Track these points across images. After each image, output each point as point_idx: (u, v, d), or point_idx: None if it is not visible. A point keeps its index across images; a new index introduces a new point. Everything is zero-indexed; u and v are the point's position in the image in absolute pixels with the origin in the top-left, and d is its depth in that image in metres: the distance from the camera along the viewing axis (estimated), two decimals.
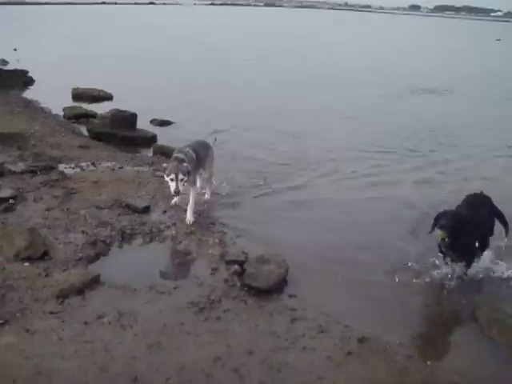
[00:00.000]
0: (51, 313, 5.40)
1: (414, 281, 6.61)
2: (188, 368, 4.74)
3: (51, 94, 17.13)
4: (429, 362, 5.18)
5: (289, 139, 13.33)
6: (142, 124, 13.77)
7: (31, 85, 19.73)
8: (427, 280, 6.65)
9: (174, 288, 6.01)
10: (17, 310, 5.41)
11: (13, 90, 17.96)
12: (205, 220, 7.97)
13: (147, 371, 4.64)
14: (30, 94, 18.13)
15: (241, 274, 6.36)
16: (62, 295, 5.69)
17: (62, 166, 9.88)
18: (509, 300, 6.38)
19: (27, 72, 20.22)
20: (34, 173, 9.23)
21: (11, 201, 7.89)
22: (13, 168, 9.31)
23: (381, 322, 5.84)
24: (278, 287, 6.25)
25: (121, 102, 15.08)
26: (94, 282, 6.00)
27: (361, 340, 5.38)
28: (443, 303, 6.41)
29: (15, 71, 20.24)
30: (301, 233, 7.88)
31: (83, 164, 10.20)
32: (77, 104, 16.18)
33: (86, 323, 5.28)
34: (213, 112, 15.68)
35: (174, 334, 5.21)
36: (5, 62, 23.53)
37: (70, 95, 17.21)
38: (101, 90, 17.60)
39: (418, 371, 5.00)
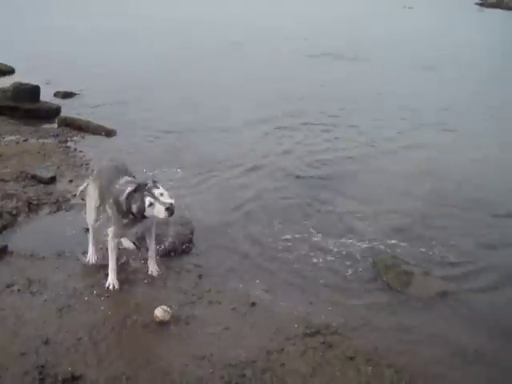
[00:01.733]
0: None
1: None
2: (99, 327, 4.90)
3: None
4: (330, 308, 5.50)
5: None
6: (46, 97, 13.56)
7: None
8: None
9: (82, 253, 6.12)
10: None
11: None
12: None
13: (58, 333, 4.79)
14: None
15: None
16: None
17: None
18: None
19: None
20: None
21: None
22: None
23: (284, 274, 6.16)
24: (184, 247, 6.43)
25: (23, 76, 14.75)
26: (2, 252, 6.05)
27: (264, 290, 5.68)
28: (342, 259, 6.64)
29: None
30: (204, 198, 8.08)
31: None
32: None
33: None
34: (118, 84, 15.52)
35: (83, 297, 5.35)
36: None
37: None
38: (1, 64, 17.14)
39: (318, 315, 5.34)
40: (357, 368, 4.62)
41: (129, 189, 5.23)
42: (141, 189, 5.11)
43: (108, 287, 5.51)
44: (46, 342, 4.65)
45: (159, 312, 5.01)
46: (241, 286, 5.79)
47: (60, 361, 4.44)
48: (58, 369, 4.33)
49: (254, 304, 5.44)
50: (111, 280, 5.56)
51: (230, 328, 5.06)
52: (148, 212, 5.09)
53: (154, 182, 5.22)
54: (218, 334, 4.96)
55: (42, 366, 4.36)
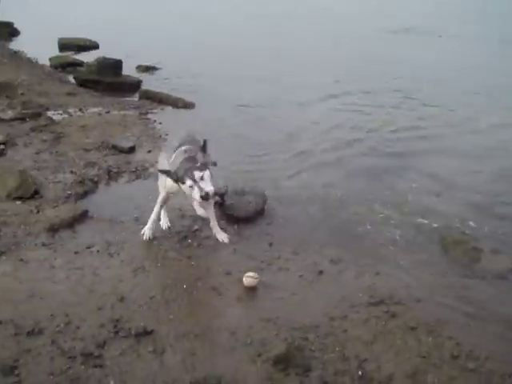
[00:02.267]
0: (43, 244, 5.79)
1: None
2: (171, 287, 5.14)
3: (37, 44, 17.18)
4: (395, 279, 5.55)
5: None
6: (128, 71, 14.01)
7: (16, 36, 19.76)
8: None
9: (159, 219, 6.39)
10: (11, 243, 5.80)
11: None
12: None
13: (132, 291, 5.05)
14: (15, 45, 18.21)
15: (222, 204, 6.72)
16: (53, 229, 6.06)
17: (49, 113, 10.17)
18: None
19: (12, 24, 20.21)
20: (22, 120, 9.56)
21: (1, 146, 8.22)
22: (2, 116, 9.62)
23: (354, 246, 6.21)
24: (257, 216, 6.62)
25: (107, 50, 15.22)
26: (83, 216, 6.38)
27: (332, 261, 5.78)
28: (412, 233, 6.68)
29: None
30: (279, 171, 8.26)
31: (70, 110, 10.52)
32: (63, 54, 16.35)
33: (76, 252, 5.67)
34: (196, 58, 15.81)
35: (157, 259, 5.61)
36: None
37: (57, 45, 17.32)
38: (87, 39, 17.71)
39: (384, 286, 5.40)
40: (418, 338, 4.68)
41: (177, 163, 5.35)
42: (184, 168, 5.22)
43: (142, 233, 5.96)
44: (121, 299, 4.92)
45: (246, 279, 5.22)
46: (309, 255, 5.91)
47: (133, 316, 4.69)
48: (131, 323, 4.58)
49: (321, 272, 5.57)
50: (146, 228, 5.99)
51: (297, 294, 5.20)
52: (187, 191, 5.24)
53: (202, 164, 5.27)
54: (285, 299, 5.11)
55: (117, 320, 4.63)
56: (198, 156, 5.31)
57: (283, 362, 4.23)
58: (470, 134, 10.23)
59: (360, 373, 4.24)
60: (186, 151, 5.44)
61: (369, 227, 6.67)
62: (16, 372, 4.05)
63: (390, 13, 24.56)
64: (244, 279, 5.21)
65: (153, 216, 6.01)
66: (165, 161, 5.78)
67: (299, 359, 4.31)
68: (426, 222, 6.81)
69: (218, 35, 19.10)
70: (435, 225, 6.73)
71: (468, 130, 10.45)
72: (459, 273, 5.83)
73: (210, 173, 5.26)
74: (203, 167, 5.21)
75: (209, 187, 5.12)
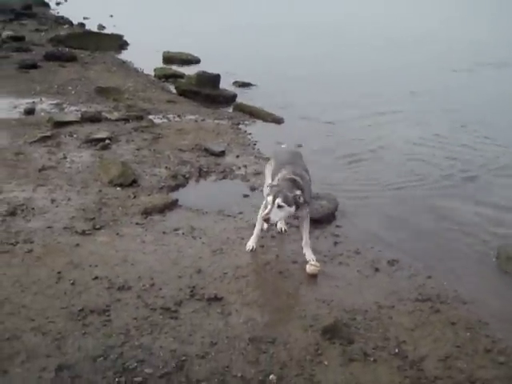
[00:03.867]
0: (137, 224, 6.69)
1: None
2: (242, 267, 5.90)
3: (144, 56, 18.51)
4: (445, 283, 6.07)
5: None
6: (225, 85, 15.02)
7: (126, 48, 21.21)
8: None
9: (238, 213, 7.18)
10: (110, 220, 6.74)
11: (109, 51, 19.46)
12: None
13: (209, 267, 5.84)
14: (124, 55, 19.64)
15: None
16: (146, 212, 6.96)
17: (151, 117, 11.24)
18: None
19: (122, 36, 21.68)
20: (126, 120, 10.65)
21: (107, 141, 9.30)
22: (109, 116, 10.75)
23: (413, 251, 6.77)
24: (327, 219, 7.30)
25: (207, 65, 16.27)
26: (173, 204, 7.25)
27: (389, 262, 6.40)
28: (471, 240, 7.20)
29: (112, 35, 21.73)
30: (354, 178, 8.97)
31: (170, 115, 11.57)
32: (167, 66, 17.56)
33: (164, 233, 6.53)
34: (290, 76, 16.60)
35: (234, 244, 6.37)
36: (102, 27, 25.21)
37: (161, 58, 18.55)
38: (189, 54, 18.89)
39: (433, 288, 5.93)
40: (456, 332, 5.20)
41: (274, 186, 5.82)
42: (275, 191, 5.61)
43: (247, 248, 6.31)
44: (199, 272, 5.72)
45: (309, 267, 5.92)
46: (370, 255, 6.53)
47: (207, 285, 5.46)
48: (205, 290, 5.35)
49: (377, 269, 6.19)
50: (250, 243, 6.33)
51: (352, 284, 5.84)
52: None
53: (294, 195, 5.64)
54: (341, 287, 5.76)
55: (194, 287, 5.43)
56: (296, 185, 5.77)
57: (330, 332, 4.89)
58: None
59: (397, 350, 4.83)
60: (288, 172, 6.00)
61: (430, 232, 7.32)
62: (107, 314, 4.94)
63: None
64: (307, 266, 5.92)
65: (255, 231, 6.37)
66: (269, 173, 6.53)
67: (345, 333, 4.96)
68: (488, 231, 7.41)
69: (318, 57, 19.85)
70: (495, 237, 7.26)
71: None
72: (508, 284, 6.28)
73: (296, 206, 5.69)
74: (286, 198, 5.54)
75: (273, 216, 5.55)
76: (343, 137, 11.24)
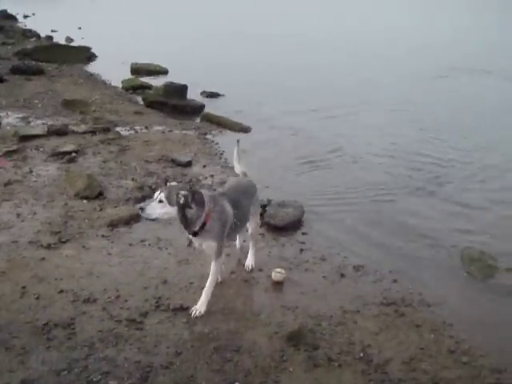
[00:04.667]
0: (103, 236, 6.69)
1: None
2: (207, 277, 5.92)
3: (111, 68, 18.48)
4: (410, 286, 6.15)
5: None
6: (193, 95, 15.03)
7: (94, 60, 21.13)
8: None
9: None
10: (76, 233, 6.74)
11: (77, 64, 19.38)
12: None
13: (175, 277, 5.87)
14: (92, 67, 19.57)
15: (262, 214, 7.49)
16: (113, 224, 6.97)
17: (118, 129, 11.24)
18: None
19: (90, 48, 21.63)
20: (93, 133, 10.66)
21: (74, 154, 9.29)
22: (76, 129, 10.74)
23: (378, 256, 6.86)
24: (293, 226, 7.36)
25: (175, 76, 16.28)
26: (139, 216, 7.22)
27: (355, 267, 6.47)
28: (436, 244, 7.30)
29: (79, 47, 21.65)
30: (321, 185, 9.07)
31: (137, 127, 11.57)
32: (134, 77, 17.54)
33: (130, 244, 6.55)
34: (261, 88, 16.65)
35: (200, 255, 6.38)
36: (70, 40, 25.11)
37: (129, 69, 18.53)
38: (157, 65, 18.89)
39: (398, 292, 6.02)
40: (420, 334, 5.29)
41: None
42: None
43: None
44: (165, 282, 5.75)
45: (275, 274, 5.97)
46: (335, 261, 6.60)
47: (173, 296, 5.50)
48: (170, 301, 5.38)
49: (343, 275, 6.26)
50: (200, 305, 5.35)
51: (318, 290, 5.91)
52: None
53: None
54: (306, 293, 5.82)
55: (159, 298, 5.46)
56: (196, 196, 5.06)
57: (295, 339, 4.95)
58: None
59: (361, 354, 4.90)
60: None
61: (393, 237, 7.43)
62: (72, 327, 4.95)
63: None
64: (273, 274, 5.98)
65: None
66: None
67: (310, 339, 5.02)
68: (452, 236, 7.52)
69: (281, 63, 19.94)
70: (458, 240, 7.38)
71: None
72: (472, 286, 6.39)
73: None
74: (170, 194, 4.93)
75: (149, 209, 4.94)
76: (309, 145, 11.30)
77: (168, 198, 4.86)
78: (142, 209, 4.91)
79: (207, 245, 5.20)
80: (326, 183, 9.28)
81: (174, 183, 5.24)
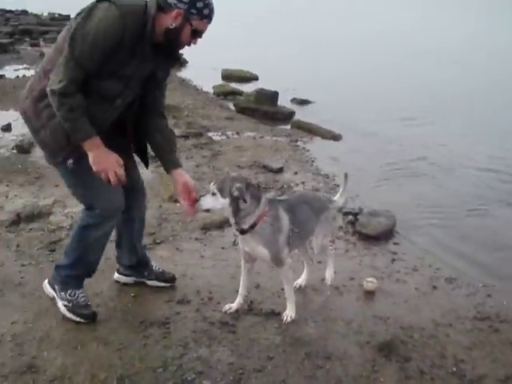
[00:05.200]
0: (196, 239, 6.83)
1: None
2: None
3: (202, 74, 18.85)
4: (505, 302, 6.00)
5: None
6: (283, 102, 15.16)
7: (185, 66, 21.55)
8: None
9: None
10: (169, 235, 6.90)
11: None
12: (330, 181, 9.21)
13: (267, 282, 5.90)
14: (183, 73, 19.97)
15: (354, 223, 7.50)
16: (205, 228, 7.10)
17: (210, 134, 11.45)
18: None
19: (182, 54, 22.00)
20: (186, 137, 10.88)
21: None
22: None
23: (472, 269, 6.80)
24: (385, 236, 7.31)
25: (266, 82, 16.45)
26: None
27: (448, 279, 6.37)
28: None
29: None
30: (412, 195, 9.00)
31: (228, 132, 11.74)
32: (225, 83, 17.82)
33: (222, 248, 6.65)
34: (350, 94, 16.62)
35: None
36: None
37: (220, 75, 18.82)
38: (247, 72, 19.15)
39: (492, 307, 5.89)
40: None
41: None
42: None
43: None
44: (257, 287, 5.80)
45: (367, 283, 5.96)
46: (428, 272, 6.53)
47: (265, 300, 5.54)
48: (262, 305, 5.43)
49: (435, 287, 6.17)
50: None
51: (409, 302, 5.84)
52: None
53: None
54: (398, 304, 5.76)
55: (251, 302, 5.52)
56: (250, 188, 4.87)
57: (387, 349, 4.90)
58: None
59: (454, 369, 4.81)
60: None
61: (489, 248, 7.35)
62: (167, 326, 5.08)
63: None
64: (364, 283, 5.96)
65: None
66: None
67: (401, 350, 4.96)
68: None
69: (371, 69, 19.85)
70: None
71: None
72: None
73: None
74: (221, 185, 4.76)
75: (203, 201, 4.78)
76: (400, 153, 11.22)
77: (220, 189, 4.66)
78: (197, 200, 4.75)
79: (260, 251, 4.99)
80: (417, 193, 9.19)
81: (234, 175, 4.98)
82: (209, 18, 4.42)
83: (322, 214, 5.63)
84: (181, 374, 4.50)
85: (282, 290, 5.66)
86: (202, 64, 20.62)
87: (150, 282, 5.68)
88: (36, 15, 34.99)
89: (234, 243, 5.60)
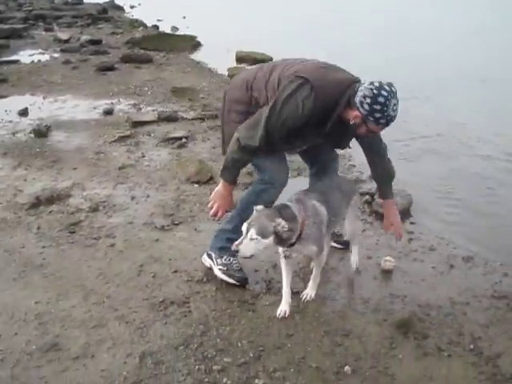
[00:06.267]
0: (214, 220, 6.85)
1: None
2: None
3: (217, 56, 18.77)
4: None
5: None
6: None
7: (199, 48, 21.51)
8: None
9: None
10: (188, 216, 6.98)
11: (183, 52, 19.84)
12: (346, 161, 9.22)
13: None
14: (197, 56, 19.91)
15: (370, 203, 7.53)
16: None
17: None
18: None
19: (195, 37, 22.04)
20: (202, 119, 10.91)
21: (184, 140, 9.58)
22: (185, 115, 11.06)
23: (489, 248, 6.75)
24: (401, 215, 7.20)
25: None
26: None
27: (464, 258, 6.40)
28: None
29: (185, 36, 22.13)
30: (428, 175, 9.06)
31: None
32: (239, 65, 17.78)
33: None
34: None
35: None
36: (175, 29, 25.65)
37: (234, 58, 18.79)
38: (262, 54, 19.03)
39: (510, 285, 5.90)
40: None
41: None
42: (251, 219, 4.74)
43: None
44: (274, 266, 5.84)
45: (384, 262, 6.03)
46: (445, 252, 6.55)
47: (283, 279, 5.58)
48: (280, 284, 5.45)
49: (452, 266, 6.20)
50: (310, 290, 5.46)
51: (426, 280, 5.88)
52: None
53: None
54: (415, 283, 5.80)
55: (269, 281, 5.62)
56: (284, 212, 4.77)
57: (405, 326, 4.96)
58: None
59: (472, 346, 4.85)
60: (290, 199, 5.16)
61: (505, 228, 7.32)
62: (187, 305, 5.18)
63: None
64: (382, 262, 6.01)
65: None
66: None
67: (419, 327, 5.02)
68: None
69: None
70: None
71: None
72: None
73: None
74: (262, 230, 4.56)
75: (243, 249, 4.61)
76: (415, 130, 11.15)
77: (261, 233, 4.48)
78: (236, 251, 4.57)
79: (308, 249, 5.04)
80: (433, 172, 9.15)
81: (260, 209, 4.71)
82: (385, 124, 4.72)
83: (352, 198, 5.73)
84: (202, 351, 4.59)
85: (301, 269, 5.74)
86: (215, 46, 20.57)
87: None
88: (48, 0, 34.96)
89: (286, 257, 5.44)
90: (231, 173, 5.11)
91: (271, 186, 5.15)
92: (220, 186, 5.21)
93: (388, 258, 6.04)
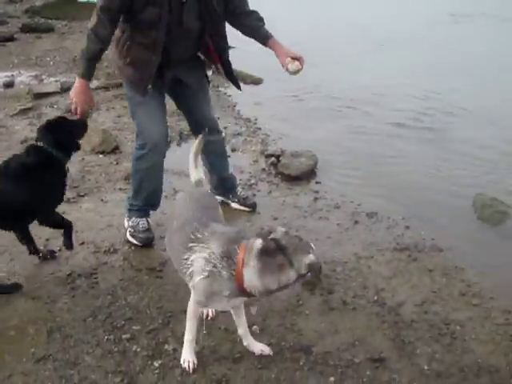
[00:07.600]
0: (120, 189, 6.84)
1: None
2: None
3: None
4: (423, 232, 6.25)
5: None
6: None
7: None
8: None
9: None
10: (93, 187, 6.91)
11: (86, 20, 18.48)
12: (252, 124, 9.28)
13: None
14: None
15: (276, 164, 7.62)
16: (129, 177, 7.06)
17: None
18: None
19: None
20: (106, 88, 10.74)
21: (89, 110, 9.37)
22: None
23: (391, 203, 6.96)
24: (306, 176, 7.45)
25: None
26: None
27: (368, 214, 6.59)
28: (448, 190, 7.39)
29: (88, 3, 20.28)
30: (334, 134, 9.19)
31: None
32: None
33: None
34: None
35: None
36: None
37: None
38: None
39: (411, 238, 6.15)
40: (432, 278, 5.41)
41: None
42: None
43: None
44: None
45: (291, 66, 5.49)
46: (349, 209, 6.72)
47: None
48: None
49: (356, 222, 6.39)
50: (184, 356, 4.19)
51: (332, 237, 6.04)
52: None
53: None
54: (321, 240, 5.92)
55: None
56: None
57: (311, 284, 5.08)
58: None
59: (375, 298, 5.05)
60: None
61: (408, 181, 7.60)
62: (95, 276, 5.16)
63: None
64: (289, 66, 5.50)
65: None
66: None
67: (325, 284, 5.17)
68: (468, 179, 7.67)
69: None
70: (474, 184, 7.48)
71: None
72: (483, 231, 6.50)
73: None
74: None
75: None
76: (323, 97, 11.28)
77: None
78: None
79: None
80: (338, 132, 9.34)
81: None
82: None
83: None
84: (110, 321, 4.60)
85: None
86: None
87: (233, 204, 6.48)
88: None
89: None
90: (82, 65, 5.08)
91: (148, 152, 5.39)
92: (76, 83, 5.12)
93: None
